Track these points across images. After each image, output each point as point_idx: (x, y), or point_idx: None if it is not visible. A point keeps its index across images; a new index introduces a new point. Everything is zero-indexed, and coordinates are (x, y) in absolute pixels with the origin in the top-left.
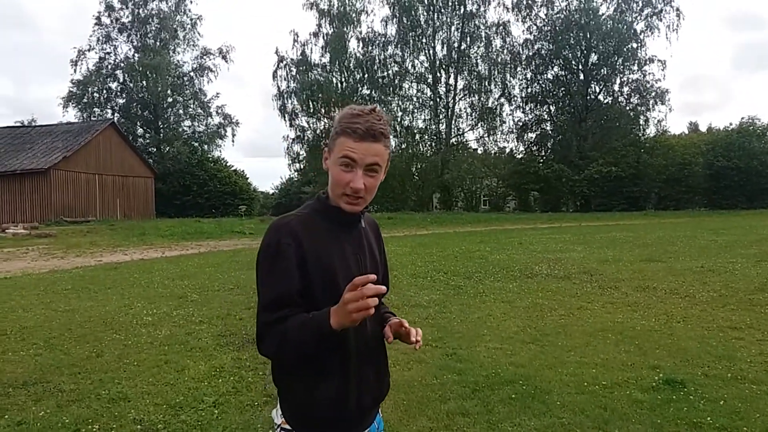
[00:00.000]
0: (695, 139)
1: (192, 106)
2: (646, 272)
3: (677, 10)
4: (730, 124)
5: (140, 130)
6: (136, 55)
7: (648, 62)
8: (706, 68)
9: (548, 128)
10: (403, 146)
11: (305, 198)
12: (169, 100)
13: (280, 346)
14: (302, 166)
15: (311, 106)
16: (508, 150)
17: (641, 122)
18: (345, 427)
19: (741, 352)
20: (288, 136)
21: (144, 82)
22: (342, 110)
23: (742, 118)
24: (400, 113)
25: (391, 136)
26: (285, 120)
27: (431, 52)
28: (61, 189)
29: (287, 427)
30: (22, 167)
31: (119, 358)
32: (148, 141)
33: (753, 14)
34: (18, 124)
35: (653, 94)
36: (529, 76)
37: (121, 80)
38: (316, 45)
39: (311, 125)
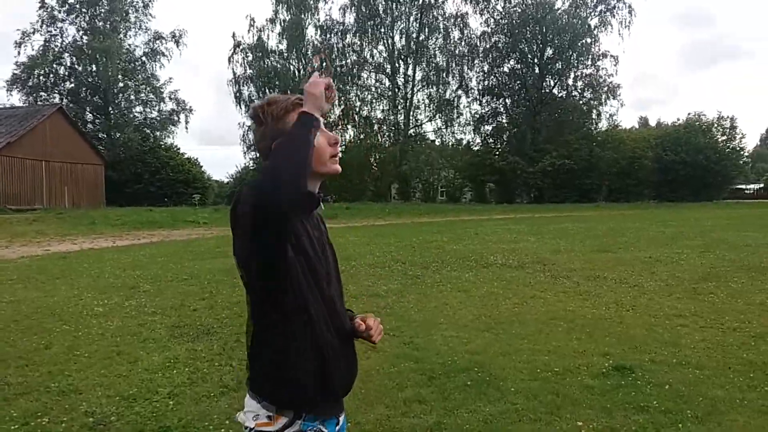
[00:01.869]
0: (645, 134)
1: (144, 91)
2: (596, 262)
3: (629, 6)
4: (678, 119)
5: (90, 116)
6: (84, 37)
7: (601, 57)
8: (656, 64)
9: (504, 121)
10: (362, 137)
11: None
12: (120, 85)
13: (284, 156)
14: (257, 154)
15: (268, 93)
16: (465, 142)
17: (594, 116)
18: (329, 407)
19: (685, 338)
20: (243, 123)
21: (93, 66)
22: (260, 107)
23: (689, 114)
24: (358, 103)
25: (263, 120)
26: (240, 107)
27: (390, 42)
28: (5, 176)
29: (265, 429)
30: None
31: (69, 349)
32: (98, 127)
33: (701, 12)
34: None
35: (606, 88)
36: (486, 68)
37: (69, 64)
38: (272, 31)
39: None
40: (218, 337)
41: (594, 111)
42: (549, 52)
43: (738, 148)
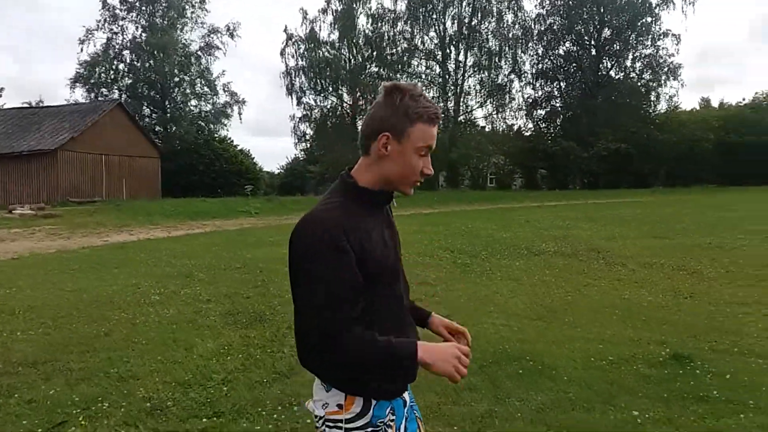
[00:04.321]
0: (707, 115)
1: (198, 85)
2: (653, 249)
3: None
4: (743, 99)
5: (147, 110)
6: (143, 34)
7: (662, 37)
8: (721, 42)
9: (558, 105)
10: None
11: (310, 177)
12: (176, 79)
13: (356, 353)
14: (308, 145)
15: (319, 84)
16: (516, 127)
17: (652, 98)
18: (402, 381)
19: (748, 327)
20: (294, 115)
21: (151, 62)
22: (389, 86)
23: (756, 93)
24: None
25: (395, 103)
26: (292, 98)
27: (441, 27)
28: (68, 170)
29: (335, 417)
30: (29, 148)
31: (127, 336)
32: (155, 121)
33: None
34: (25, 105)
35: (666, 69)
36: (540, 51)
37: (128, 60)
38: (324, 22)
39: (318, 103)
40: (271, 324)
41: (653, 93)
42: (606, 32)
43: None
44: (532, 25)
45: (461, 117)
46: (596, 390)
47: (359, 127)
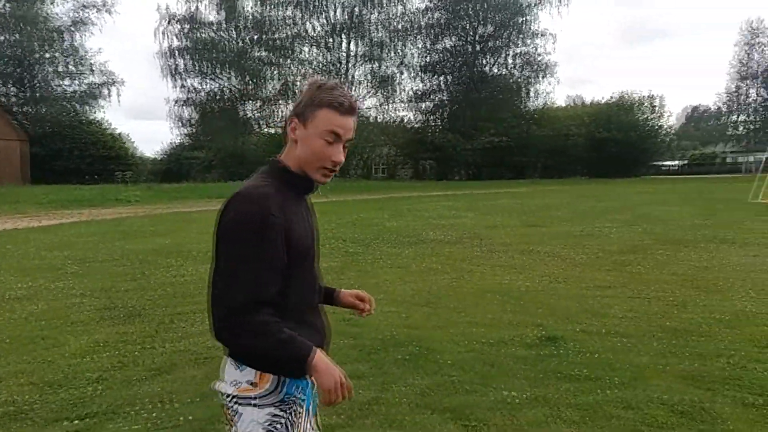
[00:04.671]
0: (579, 111)
1: (68, 62)
2: (530, 236)
3: None
4: (611, 97)
5: (12, 89)
6: (7, 5)
7: (539, 36)
8: (592, 43)
9: (444, 98)
10: None
11: (196, 164)
12: (47, 55)
13: (258, 339)
14: (194, 130)
15: (204, 66)
16: (405, 119)
17: (531, 94)
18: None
19: (613, 309)
20: (175, 98)
21: (17, 36)
22: (311, 80)
23: (621, 92)
24: (299, 78)
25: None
26: (172, 80)
27: (330, 15)
28: None
29: (247, 394)
30: None
31: None
32: (22, 100)
33: None
34: None
35: (542, 66)
36: (427, 45)
37: None
38: (210, 2)
39: (204, 86)
40: (150, 319)
41: (531, 89)
42: (488, 29)
43: (659, 125)
44: (419, 19)
45: None
46: (477, 372)
47: (244, 112)
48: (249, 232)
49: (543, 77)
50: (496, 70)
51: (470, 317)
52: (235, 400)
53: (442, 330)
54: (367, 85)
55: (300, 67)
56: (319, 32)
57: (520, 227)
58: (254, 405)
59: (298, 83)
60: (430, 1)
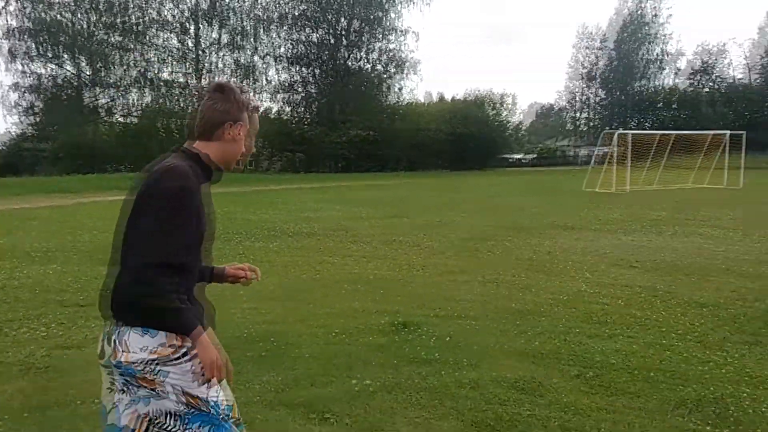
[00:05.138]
0: (441, 107)
1: None
2: (394, 227)
3: None
4: (470, 95)
5: None
6: None
7: (404, 33)
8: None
9: (312, 91)
10: (160, 101)
11: (41, 156)
12: None
13: (157, 298)
14: (38, 120)
15: (47, 49)
16: (274, 110)
17: (396, 90)
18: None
19: (466, 293)
20: (9, 84)
21: None
22: (227, 84)
23: (477, 90)
24: (157, 65)
25: (231, 100)
26: (17, 64)
27: (192, 1)
28: None
29: (168, 354)
30: None
31: None
32: None
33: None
34: None
35: (407, 63)
36: (295, 37)
37: None
38: None
39: (47, 71)
40: None
41: (396, 85)
42: (355, 24)
43: (507, 121)
44: (288, 9)
45: None
46: (335, 363)
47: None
48: (175, 201)
49: (408, 74)
50: (360, 65)
51: (330, 309)
52: (154, 362)
53: (301, 323)
54: (230, 75)
55: (156, 54)
56: (177, 17)
57: (384, 218)
58: (179, 361)
59: (155, 70)
60: None
